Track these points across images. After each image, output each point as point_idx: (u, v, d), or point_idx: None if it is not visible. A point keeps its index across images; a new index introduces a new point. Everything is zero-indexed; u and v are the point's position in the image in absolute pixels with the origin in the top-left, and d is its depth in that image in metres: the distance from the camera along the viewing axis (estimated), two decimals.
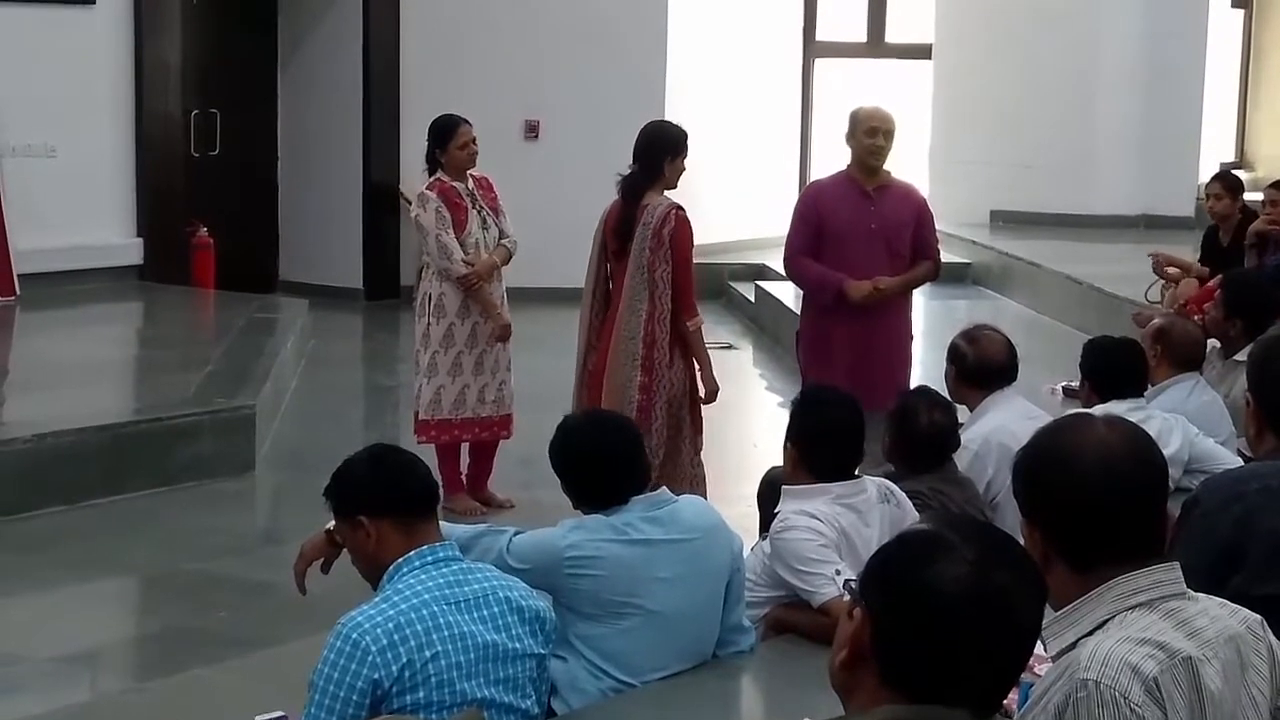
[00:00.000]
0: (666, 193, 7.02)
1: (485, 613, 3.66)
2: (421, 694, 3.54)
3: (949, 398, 6.01)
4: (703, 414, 7.13)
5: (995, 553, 2.14)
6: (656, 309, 6.91)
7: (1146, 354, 6.13)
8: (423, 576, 3.64)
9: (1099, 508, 2.56)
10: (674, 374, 6.96)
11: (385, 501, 3.73)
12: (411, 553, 3.67)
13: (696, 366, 7.06)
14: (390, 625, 3.52)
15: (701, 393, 7.07)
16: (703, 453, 7.10)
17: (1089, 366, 6.01)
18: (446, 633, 3.57)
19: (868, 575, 2.18)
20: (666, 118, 12.82)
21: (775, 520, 4.61)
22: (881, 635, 2.11)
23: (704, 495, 6.25)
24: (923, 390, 5.78)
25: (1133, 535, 2.58)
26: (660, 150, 6.99)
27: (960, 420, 5.98)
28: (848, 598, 2.22)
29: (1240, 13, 17.90)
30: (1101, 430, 2.64)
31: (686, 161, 7.10)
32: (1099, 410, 5.29)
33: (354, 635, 3.49)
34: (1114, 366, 5.93)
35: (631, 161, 7.03)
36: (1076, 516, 2.57)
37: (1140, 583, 2.54)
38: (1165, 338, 6.36)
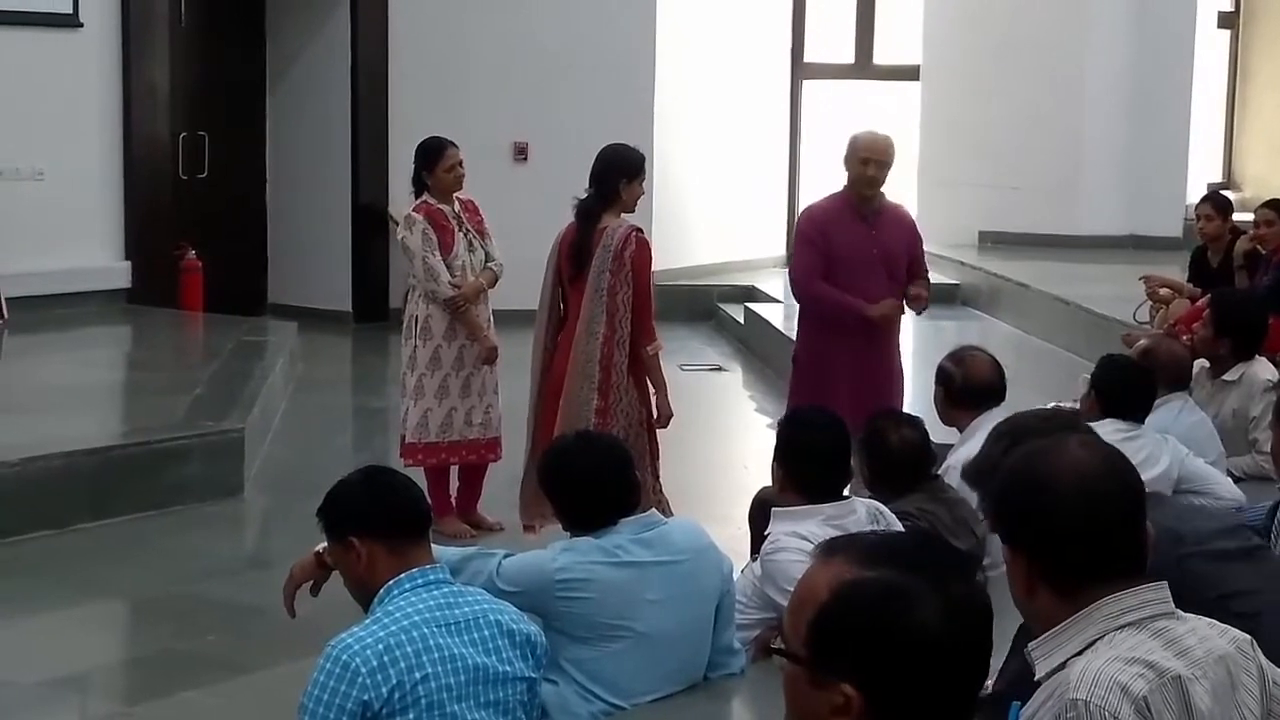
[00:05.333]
0: (624, 216, 7.02)
1: (476, 635, 3.66)
2: (411, 715, 3.53)
3: (939, 419, 6.04)
4: (658, 440, 7.13)
5: (940, 573, 2.06)
6: (615, 332, 6.90)
7: None
8: (413, 599, 3.64)
9: (1080, 530, 2.54)
10: (630, 400, 6.96)
11: (377, 523, 3.73)
12: (402, 575, 3.68)
13: (652, 391, 7.06)
14: (380, 647, 3.51)
15: (656, 417, 7.07)
16: (686, 474, 7.09)
17: (1103, 381, 5.96)
18: (437, 655, 3.57)
19: (836, 656, 2.02)
20: (655, 140, 13.03)
21: (765, 542, 4.61)
22: (875, 700, 2.00)
23: None
24: (886, 412, 5.79)
25: (1116, 555, 2.57)
26: (617, 173, 6.99)
27: (950, 442, 6.00)
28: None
29: (1226, 33, 17.94)
30: (1076, 451, 2.63)
31: (645, 185, 7.11)
32: (1095, 427, 5.30)
33: (344, 657, 3.49)
34: (1127, 388, 5.89)
35: (588, 185, 7.03)
36: (1058, 540, 2.55)
37: (1128, 603, 2.53)
38: (1151, 358, 6.37)
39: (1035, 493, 2.59)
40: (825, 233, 7.19)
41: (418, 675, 3.53)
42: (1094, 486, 2.57)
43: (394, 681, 3.50)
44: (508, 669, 3.70)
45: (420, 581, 3.68)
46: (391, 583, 3.67)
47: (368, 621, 3.61)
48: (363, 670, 3.48)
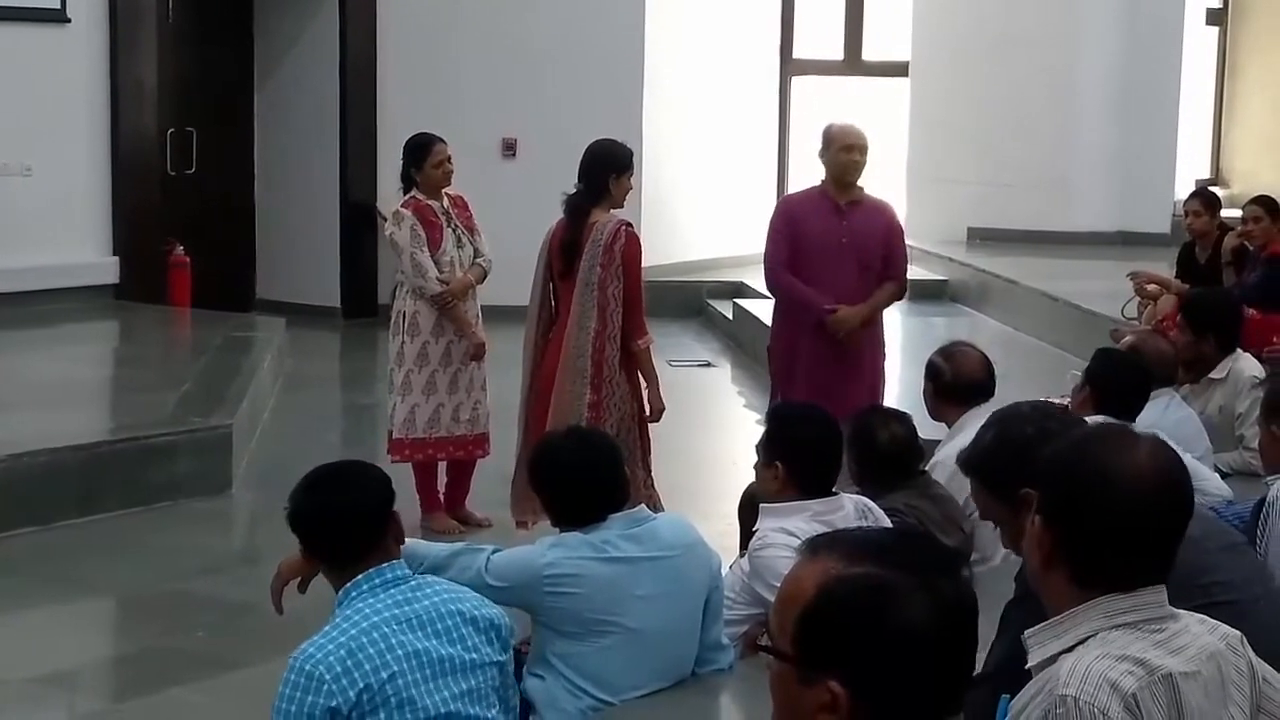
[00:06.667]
0: (613, 211, 7.02)
1: (439, 627, 3.66)
2: (382, 715, 3.53)
3: (928, 414, 6.04)
4: (650, 435, 7.13)
5: (926, 569, 2.05)
6: (606, 326, 6.89)
7: None
8: (371, 600, 3.63)
9: (1123, 538, 2.52)
10: (622, 394, 6.96)
11: (318, 546, 3.77)
12: (360, 576, 3.67)
13: (644, 385, 7.06)
14: (342, 652, 3.51)
15: (648, 411, 7.08)
16: (675, 469, 7.08)
17: (1099, 374, 5.87)
18: (401, 652, 3.57)
19: (823, 653, 2.01)
20: (644, 135, 13.01)
21: (754, 538, 4.61)
22: (862, 697, 2.00)
23: None
24: (874, 408, 5.79)
25: (1146, 568, 2.55)
26: (605, 168, 6.98)
27: (938, 437, 6.00)
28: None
29: (1215, 30, 17.96)
30: (1143, 457, 2.57)
31: (633, 180, 7.11)
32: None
33: (307, 666, 3.49)
34: (1123, 383, 5.84)
35: (577, 180, 7.02)
36: (1099, 538, 2.53)
37: (1125, 604, 2.52)
38: (1137, 355, 6.36)
39: (1095, 484, 2.54)
40: (793, 221, 7.27)
41: (384, 675, 3.52)
42: (1151, 502, 2.54)
43: (360, 685, 3.49)
44: (474, 656, 3.70)
45: (378, 581, 3.67)
46: (350, 585, 3.67)
47: (327, 628, 3.60)
48: (327, 677, 3.47)
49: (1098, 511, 2.53)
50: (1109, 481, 2.54)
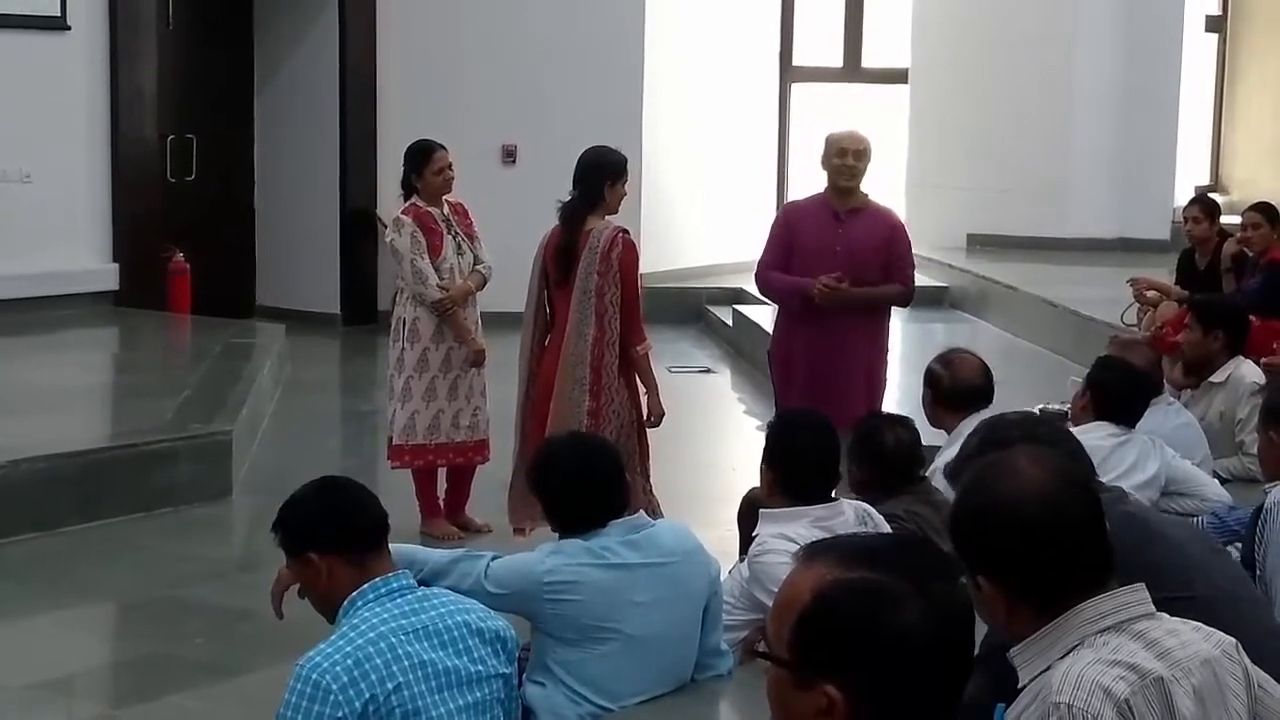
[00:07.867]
0: (608, 217, 7.02)
1: (445, 638, 3.65)
2: None
3: (928, 421, 6.04)
4: (649, 441, 7.13)
5: (922, 574, 2.05)
6: (605, 333, 6.89)
7: None
8: (378, 609, 3.62)
9: (1051, 546, 2.55)
10: (621, 400, 6.96)
11: (332, 538, 3.72)
12: (365, 586, 3.65)
13: (643, 391, 7.06)
14: (350, 662, 3.49)
15: (647, 417, 7.07)
16: (675, 475, 7.08)
17: (1100, 382, 5.86)
18: (407, 663, 3.55)
19: (819, 658, 2.02)
20: (644, 142, 13.02)
21: (753, 544, 4.61)
22: (859, 702, 2.00)
23: None
24: (877, 413, 5.78)
25: (1087, 562, 2.57)
26: (601, 175, 6.98)
27: (938, 444, 6.00)
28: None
29: (1214, 36, 17.97)
30: (1030, 470, 2.62)
31: (633, 187, 7.11)
32: (1086, 429, 5.32)
33: (314, 675, 3.47)
34: (1123, 391, 5.83)
35: (572, 187, 7.02)
36: (1031, 561, 2.56)
37: (1107, 606, 2.54)
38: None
39: (1000, 517, 2.57)
40: (791, 226, 7.28)
41: (390, 686, 3.50)
42: (1057, 501, 2.58)
43: (367, 695, 3.47)
44: (480, 668, 3.69)
45: (384, 590, 3.66)
46: (355, 594, 3.65)
47: (334, 637, 3.58)
48: (334, 687, 3.45)
49: (1019, 537, 2.56)
50: (1009, 508, 2.57)
